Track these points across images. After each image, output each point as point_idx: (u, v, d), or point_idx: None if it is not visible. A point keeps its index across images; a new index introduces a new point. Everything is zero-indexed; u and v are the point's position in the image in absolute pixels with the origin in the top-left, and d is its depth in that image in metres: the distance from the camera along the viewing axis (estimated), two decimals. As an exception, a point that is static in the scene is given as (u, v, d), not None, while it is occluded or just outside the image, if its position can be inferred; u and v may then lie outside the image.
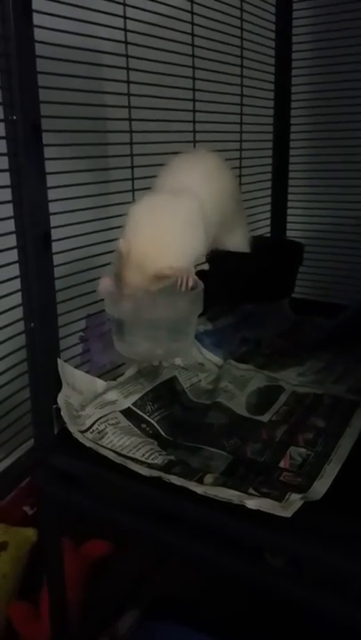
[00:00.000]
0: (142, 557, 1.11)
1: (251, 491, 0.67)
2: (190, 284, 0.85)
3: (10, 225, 0.76)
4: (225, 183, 0.93)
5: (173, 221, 0.79)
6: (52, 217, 0.78)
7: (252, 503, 0.63)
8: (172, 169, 0.89)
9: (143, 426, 0.83)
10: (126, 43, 0.91)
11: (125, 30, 0.91)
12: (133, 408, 0.86)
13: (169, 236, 0.78)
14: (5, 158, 0.73)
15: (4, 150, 0.72)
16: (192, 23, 1.04)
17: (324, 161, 1.33)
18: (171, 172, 0.88)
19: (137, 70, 0.93)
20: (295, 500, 0.64)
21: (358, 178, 1.29)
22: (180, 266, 0.77)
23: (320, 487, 0.68)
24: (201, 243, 0.83)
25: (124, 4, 0.90)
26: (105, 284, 0.80)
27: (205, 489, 0.66)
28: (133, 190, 0.97)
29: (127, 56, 0.92)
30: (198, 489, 0.66)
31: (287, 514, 0.61)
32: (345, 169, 1.30)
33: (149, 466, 0.72)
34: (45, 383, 0.81)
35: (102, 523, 0.94)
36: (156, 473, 0.69)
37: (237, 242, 1.03)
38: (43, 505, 0.88)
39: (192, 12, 1.04)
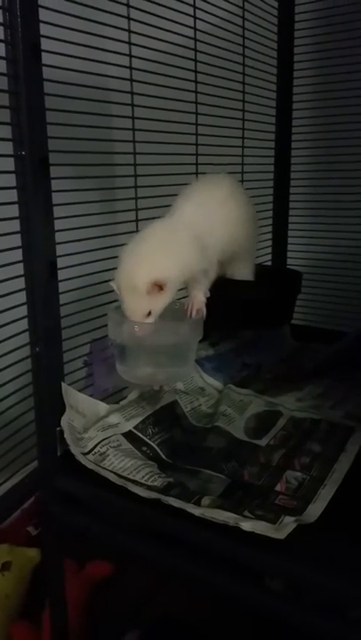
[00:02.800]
0: (144, 578, 1.11)
1: (246, 513, 0.68)
2: (198, 307, 0.89)
3: (18, 254, 0.79)
4: (234, 210, 0.97)
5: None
6: (58, 246, 0.80)
7: (246, 525, 0.64)
8: (187, 192, 0.93)
9: (144, 448, 0.85)
10: (132, 80, 0.95)
11: (131, 68, 0.95)
12: (135, 431, 0.88)
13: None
14: (14, 191, 0.76)
15: (14, 184, 0.76)
16: (195, 60, 1.08)
17: (325, 192, 1.36)
18: (185, 196, 0.92)
19: (142, 107, 0.97)
20: (289, 523, 0.65)
21: (358, 208, 1.32)
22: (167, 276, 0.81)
23: (314, 510, 0.69)
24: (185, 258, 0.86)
25: (130, 43, 0.94)
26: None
27: (202, 511, 0.67)
28: (137, 220, 1.00)
29: (132, 93, 0.95)
30: (195, 511, 0.67)
31: (280, 536, 0.63)
32: (345, 200, 1.33)
33: (149, 488, 0.73)
34: (49, 406, 0.82)
35: (104, 543, 0.95)
36: (154, 495, 0.71)
37: (243, 271, 1.06)
38: (45, 525, 0.89)
39: (195, 50, 1.08)
